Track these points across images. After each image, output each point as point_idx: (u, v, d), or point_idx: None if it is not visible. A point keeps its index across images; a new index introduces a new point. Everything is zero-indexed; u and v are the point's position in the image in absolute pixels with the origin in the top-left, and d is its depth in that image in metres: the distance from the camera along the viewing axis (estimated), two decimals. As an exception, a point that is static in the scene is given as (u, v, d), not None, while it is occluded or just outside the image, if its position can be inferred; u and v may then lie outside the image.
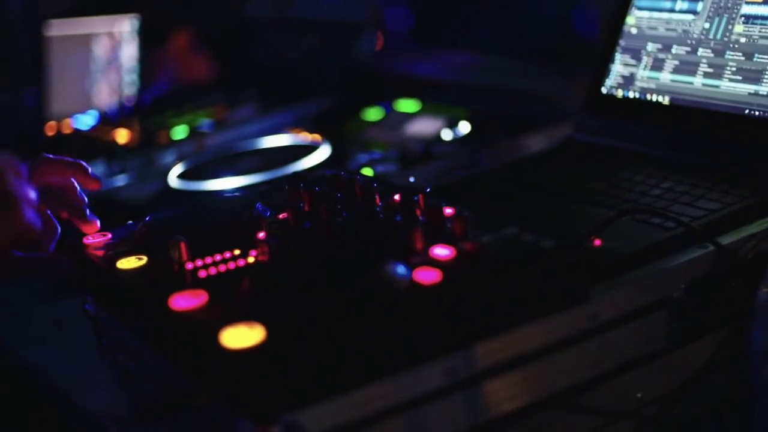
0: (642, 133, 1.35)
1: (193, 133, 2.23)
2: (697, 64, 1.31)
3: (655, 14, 1.40)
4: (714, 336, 1.02)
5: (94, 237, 1.07)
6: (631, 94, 1.40)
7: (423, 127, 2.00)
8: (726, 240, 1.04)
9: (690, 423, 1.01)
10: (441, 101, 2.13)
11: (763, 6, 1.25)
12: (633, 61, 1.41)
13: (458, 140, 1.89)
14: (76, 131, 2.41)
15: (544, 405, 0.92)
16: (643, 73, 1.39)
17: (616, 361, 0.96)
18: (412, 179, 1.38)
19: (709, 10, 1.32)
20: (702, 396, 1.02)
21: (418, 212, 1.00)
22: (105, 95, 2.77)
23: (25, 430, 1.39)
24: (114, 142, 2.20)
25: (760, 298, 0.78)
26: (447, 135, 1.91)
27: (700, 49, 1.31)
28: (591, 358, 0.94)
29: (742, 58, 1.25)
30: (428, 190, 1.03)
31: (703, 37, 1.32)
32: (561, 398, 0.93)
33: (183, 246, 0.96)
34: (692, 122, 1.30)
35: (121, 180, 2.00)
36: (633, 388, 0.98)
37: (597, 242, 1.04)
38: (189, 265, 0.95)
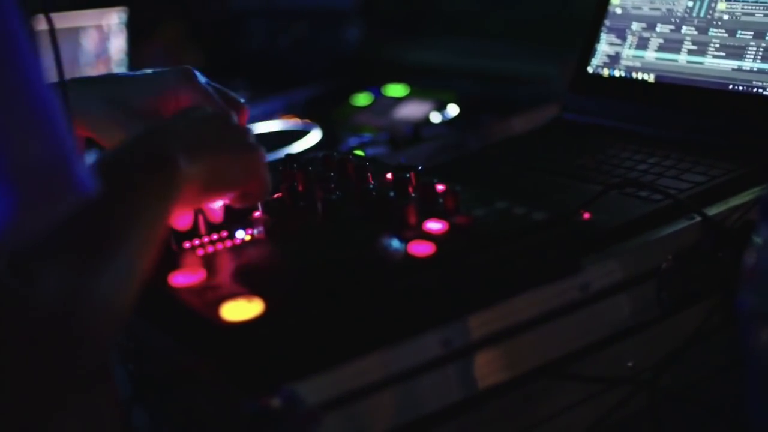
0: (628, 110, 1.37)
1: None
2: (681, 42, 1.33)
3: (640, -7, 1.42)
4: (703, 305, 1.04)
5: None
6: (616, 73, 1.42)
7: (412, 110, 2.01)
8: (712, 211, 1.06)
9: (681, 390, 1.03)
10: (429, 86, 2.14)
11: (745, -17, 1.27)
12: (618, 41, 1.43)
13: (447, 122, 1.91)
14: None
15: (537, 374, 0.94)
16: (628, 52, 1.41)
17: (607, 331, 0.98)
18: (403, 160, 1.39)
19: (693, -12, 1.34)
20: (692, 364, 1.04)
21: (410, 189, 1.01)
22: (94, 88, 2.77)
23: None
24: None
25: (745, 263, 0.80)
26: (436, 118, 1.93)
27: (684, 27, 1.33)
28: (582, 327, 0.96)
29: (726, 35, 1.27)
30: (420, 168, 1.05)
31: (686, 15, 1.33)
32: (554, 368, 0.95)
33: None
34: (677, 99, 1.32)
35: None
36: (624, 357, 1.00)
37: (586, 216, 1.05)
38: (186, 244, 0.97)
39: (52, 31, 0.90)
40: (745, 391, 0.81)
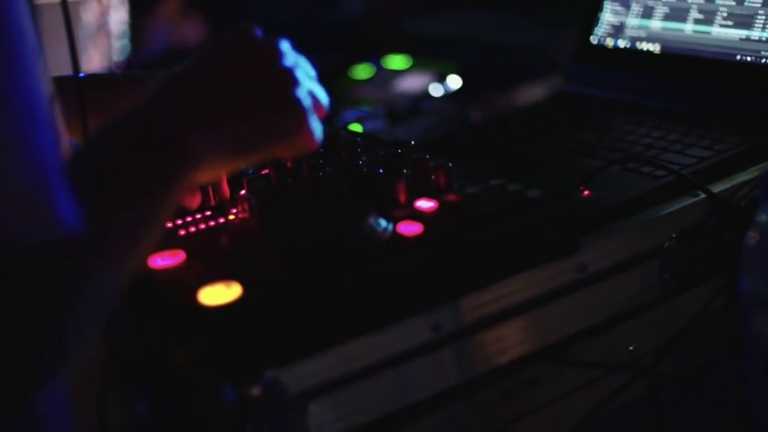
0: (633, 82, 1.33)
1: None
2: (687, 11, 1.29)
3: (645, -39, 1.37)
4: (707, 286, 1.00)
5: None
6: (621, 44, 1.38)
7: (412, 83, 1.98)
8: (718, 188, 1.02)
9: (682, 376, 0.99)
10: (431, 57, 2.11)
11: (754, -51, 1.22)
12: (622, 10, 1.39)
13: (448, 95, 1.87)
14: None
15: (535, 359, 0.91)
16: (633, 22, 1.36)
17: (608, 313, 0.95)
18: (399, 134, 1.36)
19: (700, -45, 1.29)
20: (695, 348, 1.00)
21: (401, 166, 0.97)
22: (96, 61, 2.75)
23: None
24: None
25: (747, 243, 0.76)
26: (436, 90, 1.89)
27: (691, -5, 1.29)
28: (581, 310, 0.92)
29: (733, 3, 1.23)
30: (412, 143, 1.01)
31: (693, -18, 1.29)
32: (552, 352, 0.91)
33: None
34: (683, 70, 1.28)
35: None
36: (625, 341, 0.97)
37: (586, 193, 1.02)
38: (168, 224, 0.93)
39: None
40: (747, 376, 0.78)
